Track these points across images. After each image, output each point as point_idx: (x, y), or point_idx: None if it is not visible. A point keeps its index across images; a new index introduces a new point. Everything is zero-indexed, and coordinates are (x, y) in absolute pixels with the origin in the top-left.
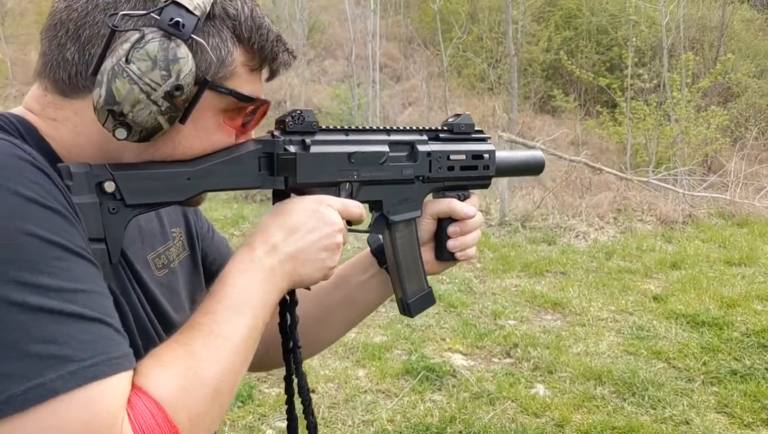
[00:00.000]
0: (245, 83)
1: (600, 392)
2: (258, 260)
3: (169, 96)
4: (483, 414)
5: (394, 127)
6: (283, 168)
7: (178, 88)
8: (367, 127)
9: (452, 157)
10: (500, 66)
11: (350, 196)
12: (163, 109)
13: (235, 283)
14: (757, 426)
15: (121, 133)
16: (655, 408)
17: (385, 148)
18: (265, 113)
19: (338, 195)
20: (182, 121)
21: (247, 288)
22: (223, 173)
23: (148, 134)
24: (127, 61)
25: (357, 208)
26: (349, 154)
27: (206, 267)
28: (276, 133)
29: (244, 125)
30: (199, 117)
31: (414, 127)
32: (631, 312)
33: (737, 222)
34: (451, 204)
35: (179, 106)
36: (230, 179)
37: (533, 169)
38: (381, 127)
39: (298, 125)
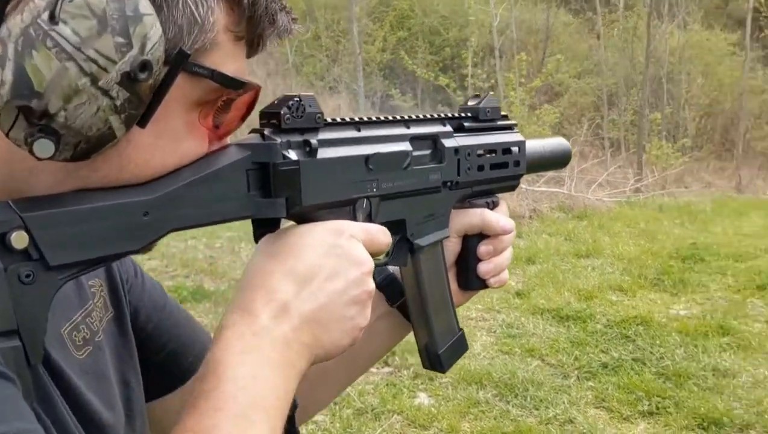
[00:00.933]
0: (228, 59)
1: (483, 396)
2: (265, 331)
3: (128, 80)
4: (369, 431)
5: (410, 116)
6: (283, 184)
7: (144, 66)
8: (380, 118)
9: (482, 153)
10: (338, 65)
11: (369, 217)
12: (118, 103)
13: (238, 375)
14: (636, 418)
15: (45, 147)
16: (538, 409)
17: (408, 146)
18: (253, 106)
19: (354, 217)
20: (142, 123)
21: (256, 380)
22: (196, 199)
23: (89, 148)
24: (52, 19)
25: (384, 235)
26: (367, 158)
27: (138, 329)
28: (267, 132)
29: (218, 126)
30: (164, 115)
31: (433, 115)
32: (498, 310)
33: (576, 214)
34: (484, 216)
35: (143, 98)
36: (207, 208)
37: (561, 160)
38: (395, 117)
39: (298, 119)
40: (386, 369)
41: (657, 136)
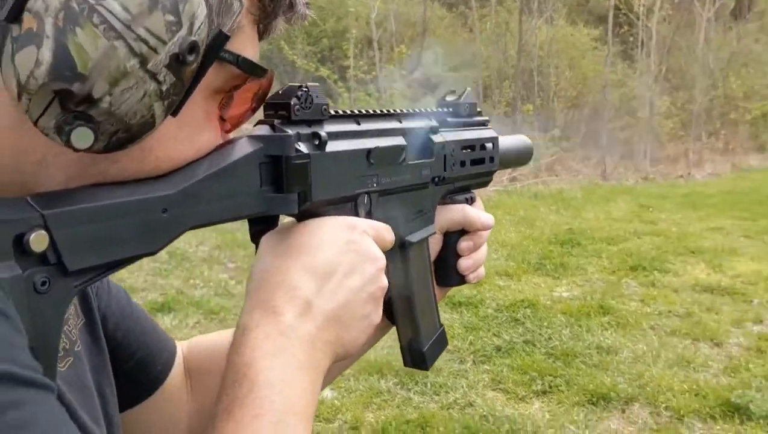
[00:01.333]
0: (249, 43)
1: (385, 386)
2: (291, 331)
3: (176, 62)
4: None
5: (401, 110)
6: (296, 179)
7: (193, 47)
8: (375, 111)
9: (465, 148)
10: None
11: (368, 213)
12: (164, 88)
13: (272, 379)
14: (531, 398)
15: (84, 136)
16: (438, 394)
17: (402, 141)
18: (266, 95)
19: (356, 214)
20: (176, 111)
21: (289, 384)
22: (212, 195)
23: (127, 138)
24: None
25: (388, 232)
26: (369, 152)
27: (107, 337)
28: (277, 123)
29: (223, 117)
30: (188, 103)
31: (420, 110)
32: None
33: None
34: (465, 212)
35: (185, 84)
36: (222, 204)
37: (525, 157)
38: (389, 111)
39: (306, 111)
40: None
41: (529, 126)
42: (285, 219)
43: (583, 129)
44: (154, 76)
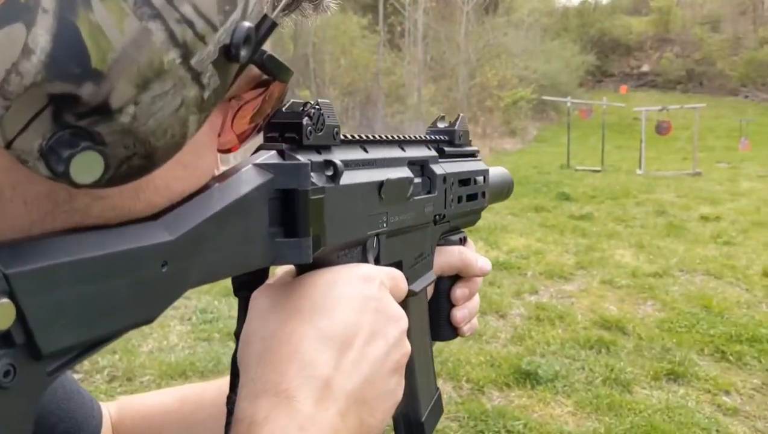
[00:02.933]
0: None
1: None
2: (311, 423)
3: (226, 58)
4: None
5: (402, 137)
6: (311, 219)
7: (248, 37)
8: (376, 137)
9: (462, 182)
10: None
11: (377, 260)
12: (206, 94)
13: None
14: None
15: (91, 166)
16: None
17: (409, 173)
18: (279, 103)
19: (365, 261)
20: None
21: None
22: (219, 242)
23: (145, 165)
24: None
25: (404, 282)
26: (380, 185)
27: None
28: (286, 149)
29: (219, 134)
30: None
31: (418, 137)
32: (188, 297)
33: None
34: (464, 255)
35: (228, 87)
36: (230, 252)
37: (507, 192)
38: (390, 137)
39: (319, 134)
40: (75, 376)
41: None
42: (276, 269)
43: (358, 115)
44: (197, 76)
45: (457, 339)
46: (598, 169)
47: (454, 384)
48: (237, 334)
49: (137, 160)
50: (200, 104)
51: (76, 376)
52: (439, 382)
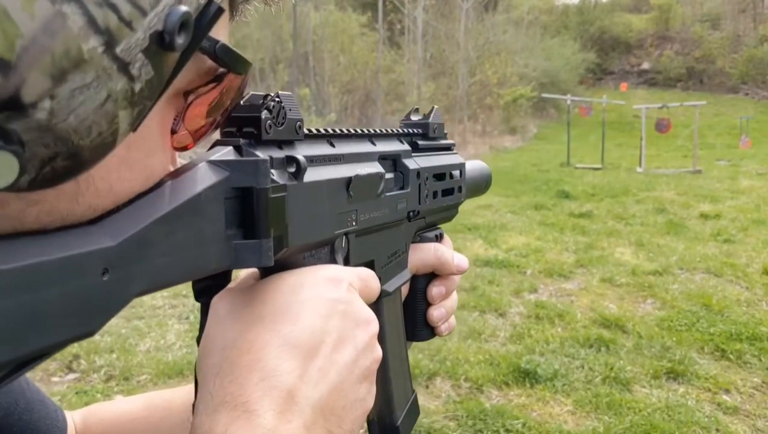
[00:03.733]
0: (222, 27)
1: None
2: None
3: (159, 46)
4: None
5: (372, 130)
6: (272, 219)
7: (184, 23)
8: (344, 130)
9: (436, 177)
10: None
11: (346, 260)
12: (137, 87)
13: None
14: None
15: (5, 168)
16: None
17: (379, 168)
18: (239, 96)
19: (333, 261)
20: (138, 123)
21: None
22: (168, 246)
23: (72, 166)
24: None
25: (375, 281)
26: (348, 182)
27: None
28: (244, 144)
29: (173, 131)
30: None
31: (390, 130)
32: (186, 295)
33: None
34: (439, 253)
35: (164, 80)
36: (182, 257)
37: (485, 186)
38: (359, 131)
39: (279, 128)
40: (71, 376)
41: (306, 111)
42: (240, 273)
43: (357, 113)
44: (125, 67)
45: (456, 338)
46: (598, 166)
47: (453, 382)
48: (198, 341)
49: (62, 161)
50: (130, 98)
51: (72, 376)
52: (438, 381)
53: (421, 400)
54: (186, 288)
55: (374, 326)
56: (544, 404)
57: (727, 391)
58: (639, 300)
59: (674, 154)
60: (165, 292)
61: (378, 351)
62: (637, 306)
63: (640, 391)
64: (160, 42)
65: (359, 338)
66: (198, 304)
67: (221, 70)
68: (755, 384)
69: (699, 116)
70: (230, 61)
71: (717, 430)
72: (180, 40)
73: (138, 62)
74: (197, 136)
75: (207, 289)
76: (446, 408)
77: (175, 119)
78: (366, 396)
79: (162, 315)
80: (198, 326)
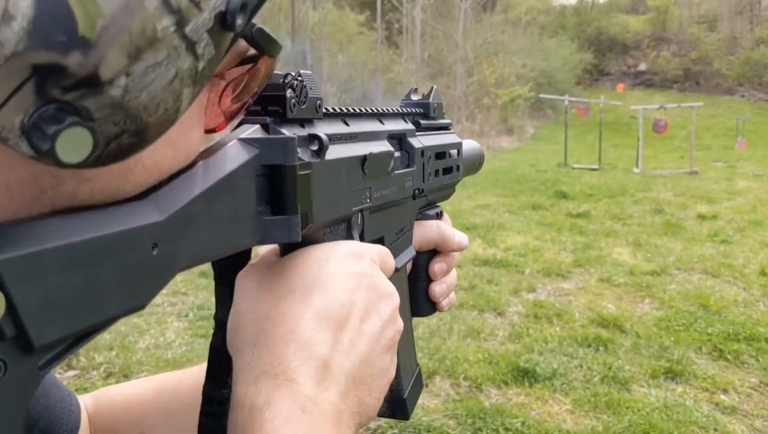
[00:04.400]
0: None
1: None
2: (313, 405)
3: (222, 27)
4: None
5: (380, 109)
6: (300, 196)
7: (245, 5)
8: (358, 109)
9: (438, 155)
10: None
11: (361, 236)
12: (200, 66)
13: None
14: None
15: (79, 143)
16: None
17: (389, 146)
18: (267, 79)
19: (350, 237)
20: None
21: None
22: (208, 221)
23: (136, 143)
24: None
25: (391, 259)
26: (363, 160)
27: None
28: (271, 122)
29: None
30: None
31: (395, 109)
32: (185, 293)
33: None
34: (441, 230)
35: (221, 58)
36: (220, 232)
37: (479, 164)
38: (369, 110)
39: (302, 106)
40: (71, 373)
41: None
42: (260, 249)
43: None
44: (192, 46)
45: (455, 337)
46: (596, 167)
47: (452, 381)
48: (218, 319)
49: (127, 138)
50: (194, 76)
51: (72, 373)
52: (437, 380)
53: (421, 399)
54: (185, 287)
55: (396, 298)
56: (543, 403)
57: (725, 391)
58: (637, 300)
59: (671, 155)
60: (165, 290)
61: (400, 323)
62: (635, 306)
63: (639, 391)
64: (222, 22)
65: (383, 310)
66: (197, 302)
67: (253, 52)
68: (753, 384)
69: (696, 117)
70: (265, 44)
71: (715, 430)
72: (239, 21)
73: (203, 42)
74: (229, 117)
75: (228, 267)
76: (446, 407)
77: (208, 100)
78: (390, 366)
79: (161, 313)
80: (211, 307)
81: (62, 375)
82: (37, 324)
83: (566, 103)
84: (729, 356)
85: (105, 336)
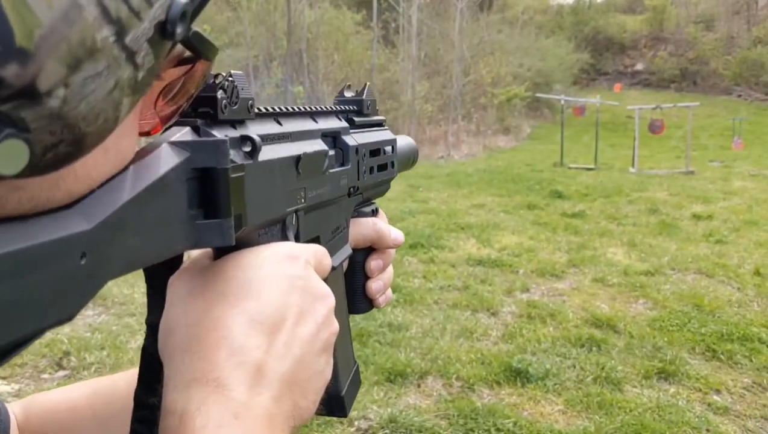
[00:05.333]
0: None
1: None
2: (245, 410)
3: (161, 36)
4: None
5: (312, 108)
6: (232, 198)
7: (184, 14)
8: (287, 108)
9: (372, 152)
10: None
11: (296, 237)
12: (140, 75)
13: None
14: None
15: (16, 154)
16: None
17: (323, 145)
18: (203, 82)
19: (285, 238)
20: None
21: None
22: (138, 227)
23: (72, 152)
24: None
25: (327, 258)
26: (297, 160)
27: None
28: (201, 124)
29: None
30: None
31: (327, 107)
32: None
33: None
34: (376, 227)
35: (160, 67)
36: (151, 237)
37: (412, 161)
38: (300, 109)
39: (233, 107)
40: (62, 373)
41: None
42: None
43: None
44: (132, 56)
45: (448, 337)
46: (592, 167)
47: (444, 381)
48: (150, 323)
49: (64, 147)
50: (134, 85)
51: (62, 373)
52: (429, 380)
53: (413, 399)
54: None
55: (331, 300)
56: (536, 403)
57: (718, 391)
58: (631, 301)
59: (667, 155)
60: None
61: (335, 325)
62: (628, 307)
63: (631, 391)
64: (162, 32)
65: (318, 312)
66: None
67: (189, 55)
68: (746, 384)
69: (692, 117)
70: (202, 48)
71: (707, 430)
72: (179, 30)
73: (143, 51)
74: (164, 120)
75: (160, 271)
76: (438, 407)
77: (144, 104)
78: (325, 368)
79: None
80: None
81: (53, 375)
82: None
83: (563, 102)
84: (722, 356)
85: (96, 336)
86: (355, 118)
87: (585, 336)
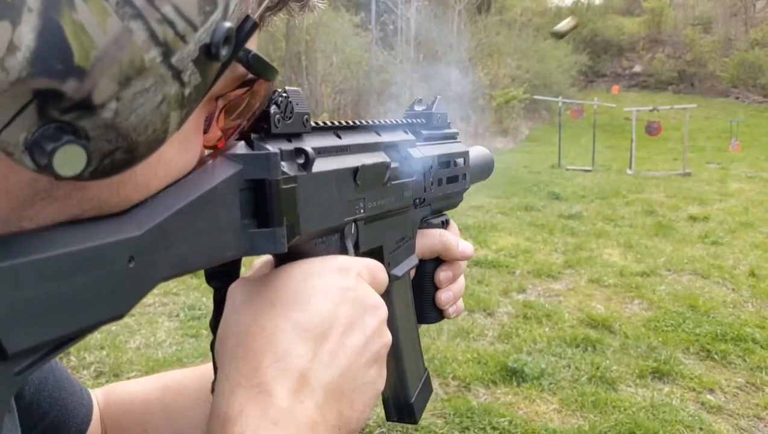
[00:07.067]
0: (253, 38)
1: None
2: (286, 416)
3: (206, 57)
4: None
5: (377, 121)
6: (284, 208)
7: (228, 37)
8: (351, 123)
9: (441, 164)
10: None
11: (356, 246)
12: (187, 92)
13: None
14: None
15: (74, 159)
16: None
17: (385, 157)
18: (266, 100)
19: (344, 247)
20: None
21: None
22: (188, 234)
23: (127, 160)
24: None
25: (383, 272)
26: (355, 171)
27: (15, 395)
28: (255, 138)
29: (205, 131)
30: None
31: (394, 121)
32: (176, 293)
33: None
34: (444, 239)
35: (208, 85)
36: (200, 244)
37: (489, 171)
38: (365, 122)
39: (287, 122)
40: None
41: None
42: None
43: (350, 113)
44: (178, 74)
45: (444, 337)
46: (589, 168)
47: (441, 381)
48: (212, 325)
49: (120, 154)
50: (181, 101)
51: None
52: None
53: None
54: (176, 287)
55: (383, 312)
56: (531, 402)
57: (712, 391)
58: (626, 301)
59: (664, 157)
60: (156, 290)
61: (387, 336)
62: (624, 307)
63: (626, 390)
64: (207, 53)
65: (368, 324)
66: (188, 302)
67: (251, 76)
68: (739, 384)
69: (689, 119)
70: (260, 69)
71: (701, 429)
72: (224, 52)
73: (189, 70)
74: (227, 136)
75: (218, 274)
76: (434, 406)
77: (206, 120)
78: (376, 380)
79: (152, 313)
80: (210, 312)
81: None
82: (12, 332)
83: (560, 104)
84: (716, 356)
85: (96, 336)
86: (424, 131)
87: (580, 336)
